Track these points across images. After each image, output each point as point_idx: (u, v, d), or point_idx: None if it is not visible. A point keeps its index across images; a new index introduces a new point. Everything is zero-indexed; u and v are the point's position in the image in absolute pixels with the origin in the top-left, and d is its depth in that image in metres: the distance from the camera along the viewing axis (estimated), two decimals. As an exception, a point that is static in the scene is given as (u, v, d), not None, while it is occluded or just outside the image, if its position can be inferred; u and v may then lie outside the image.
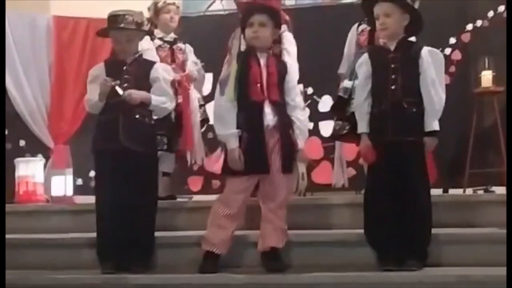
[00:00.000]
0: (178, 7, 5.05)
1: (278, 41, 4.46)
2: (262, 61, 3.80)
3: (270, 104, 3.74)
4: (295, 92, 3.90)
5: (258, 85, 3.74)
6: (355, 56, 4.58)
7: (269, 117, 3.73)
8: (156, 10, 4.98)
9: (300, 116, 3.85)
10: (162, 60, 4.64)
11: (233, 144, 3.70)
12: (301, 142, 3.81)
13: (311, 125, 5.85)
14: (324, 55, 5.47)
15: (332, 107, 4.65)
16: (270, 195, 3.79)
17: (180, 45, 5.01)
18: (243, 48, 4.14)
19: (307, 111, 4.02)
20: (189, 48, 5.07)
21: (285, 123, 3.78)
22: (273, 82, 3.77)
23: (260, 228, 3.82)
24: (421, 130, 3.65)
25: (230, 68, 3.81)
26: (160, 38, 4.95)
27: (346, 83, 4.38)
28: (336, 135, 4.63)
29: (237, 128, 3.72)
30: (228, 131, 3.73)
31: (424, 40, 3.83)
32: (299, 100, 3.91)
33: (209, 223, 3.82)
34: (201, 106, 5.03)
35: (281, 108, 3.78)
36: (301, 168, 3.76)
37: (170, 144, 4.78)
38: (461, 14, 5.77)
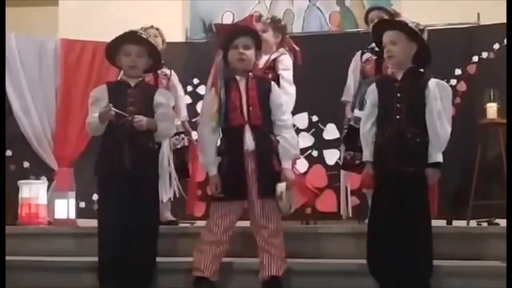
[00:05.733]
0: (157, 29, 5.04)
1: (272, 66, 4.48)
2: (242, 85, 3.79)
3: (251, 128, 3.73)
4: (282, 110, 3.82)
5: (239, 110, 3.74)
6: (360, 85, 4.59)
7: (249, 141, 3.71)
8: None
9: (286, 134, 3.78)
10: None
11: (212, 171, 3.74)
12: (284, 162, 3.76)
13: (315, 153, 5.86)
14: (329, 83, 5.47)
15: (344, 137, 4.64)
16: (257, 223, 3.76)
17: (165, 70, 4.97)
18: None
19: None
20: (174, 74, 5.05)
21: (265, 147, 3.74)
22: (254, 105, 3.75)
23: (259, 258, 3.79)
24: (423, 162, 3.61)
25: (210, 95, 3.81)
26: None
27: (357, 113, 4.37)
28: (347, 165, 4.61)
29: (219, 153, 3.74)
30: (207, 158, 3.77)
31: (430, 70, 3.83)
32: (286, 117, 3.82)
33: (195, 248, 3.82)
34: (179, 133, 5.00)
35: (262, 132, 3.75)
36: (280, 188, 3.68)
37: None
38: (467, 46, 5.79)
